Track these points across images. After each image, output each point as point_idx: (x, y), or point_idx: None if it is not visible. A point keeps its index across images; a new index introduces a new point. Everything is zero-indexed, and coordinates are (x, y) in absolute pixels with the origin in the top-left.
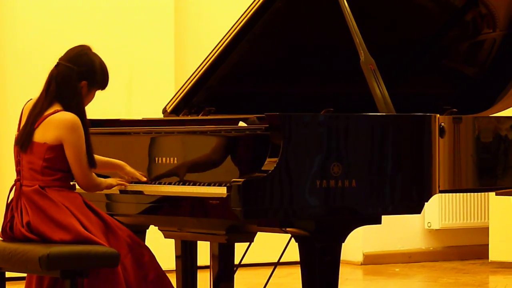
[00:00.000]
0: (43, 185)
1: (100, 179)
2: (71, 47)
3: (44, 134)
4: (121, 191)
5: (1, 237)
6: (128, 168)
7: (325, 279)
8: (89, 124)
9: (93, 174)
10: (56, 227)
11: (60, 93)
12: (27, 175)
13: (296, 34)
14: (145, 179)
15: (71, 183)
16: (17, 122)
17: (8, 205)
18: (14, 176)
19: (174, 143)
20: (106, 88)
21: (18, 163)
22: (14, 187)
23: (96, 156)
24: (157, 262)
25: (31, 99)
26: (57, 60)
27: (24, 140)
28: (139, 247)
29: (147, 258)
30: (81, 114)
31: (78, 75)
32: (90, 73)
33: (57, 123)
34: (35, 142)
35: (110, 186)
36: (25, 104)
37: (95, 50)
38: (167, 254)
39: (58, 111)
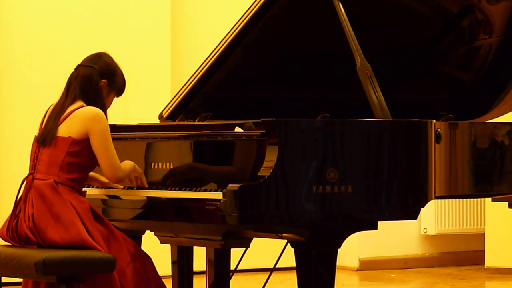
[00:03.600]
0: (57, 181)
1: (124, 165)
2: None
3: (69, 128)
4: (113, 196)
5: (5, 235)
6: (138, 168)
7: (321, 284)
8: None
9: (121, 164)
10: (58, 224)
11: (82, 92)
12: (43, 169)
13: (292, 40)
14: (147, 185)
15: (83, 189)
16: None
17: (17, 201)
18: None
19: (170, 149)
20: None
21: (35, 158)
22: (26, 181)
23: None
24: (158, 274)
25: (53, 103)
26: (76, 65)
27: (46, 136)
28: (143, 258)
29: (150, 270)
30: (104, 111)
31: (98, 73)
32: (110, 73)
33: (83, 116)
34: (59, 137)
35: (130, 173)
36: (48, 108)
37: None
38: (163, 259)
39: (82, 106)
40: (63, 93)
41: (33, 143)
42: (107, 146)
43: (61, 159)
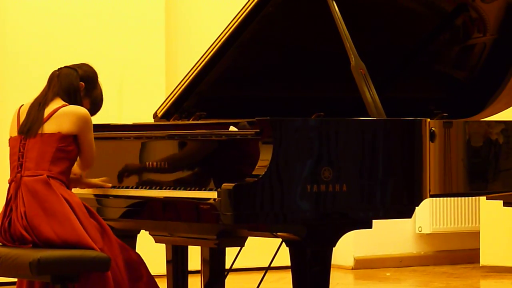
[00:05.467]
0: (49, 175)
1: None
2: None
3: (58, 125)
4: (113, 195)
5: None
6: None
7: (316, 283)
8: None
9: None
10: (52, 220)
11: (62, 89)
12: (31, 166)
13: (286, 39)
14: (109, 185)
15: None
16: (9, 127)
17: (7, 201)
18: (7, 177)
19: (164, 148)
20: None
21: (21, 156)
22: (14, 180)
23: None
24: (149, 270)
25: (23, 104)
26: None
27: (31, 126)
28: (133, 253)
29: (139, 262)
30: None
31: (79, 76)
32: (90, 80)
33: (74, 115)
34: (47, 134)
35: None
36: (19, 108)
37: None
38: (158, 259)
39: (66, 105)
40: (44, 88)
41: (11, 143)
42: (92, 141)
43: (51, 154)
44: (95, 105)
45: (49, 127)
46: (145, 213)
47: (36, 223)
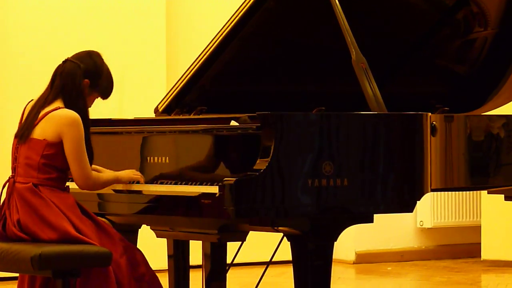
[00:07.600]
0: (37, 183)
1: (96, 174)
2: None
3: (44, 130)
4: (115, 190)
5: None
6: (125, 179)
7: (318, 278)
8: (90, 125)
9: (92, 172)
10: (45, 226)
11: (64, 89)
12: (22, 172)
13: (287, 33)
14: (143, 180)
15: (66, 184)
16: (17, 123)
17: (2, 204)
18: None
19: (166, 143)
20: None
21: (14, 160)
22: (7, 184)
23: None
24: (150, 266)
25: (32, 99)
26: (65, 58)
27: (25, 131)
28: (132, 249)
29: (141, 260)
30: (83, 113)
31: (82, 72)
32: (95, 74)
33: (58, 119)
34: (34, 139)
35: (106, 184)
36: (27, 105)
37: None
38: (159, 253)
39: (59, 108)
40: (48, 86)
41: (13, 142)
42: (78, 153)
43: (37, 161)
44: (105, 92)
45: (37, 132)
46: (146, 208)
47: (32, 229)
